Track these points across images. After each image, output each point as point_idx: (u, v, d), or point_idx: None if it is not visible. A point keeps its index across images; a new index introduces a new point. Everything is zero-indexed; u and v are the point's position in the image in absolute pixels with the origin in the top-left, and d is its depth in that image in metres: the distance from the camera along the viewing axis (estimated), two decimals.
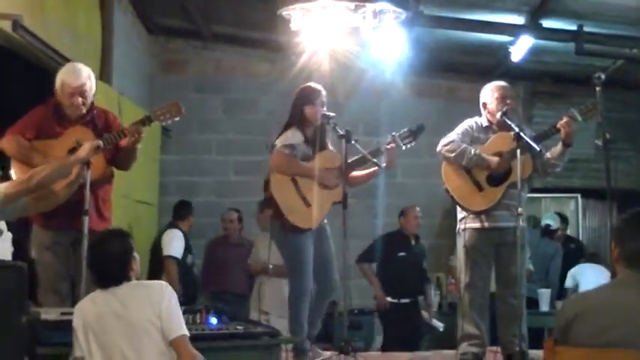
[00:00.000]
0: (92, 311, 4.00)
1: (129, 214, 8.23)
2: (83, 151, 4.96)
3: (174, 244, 8.29)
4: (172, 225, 8.66)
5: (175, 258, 8.21)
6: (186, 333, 4.00)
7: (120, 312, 3.95)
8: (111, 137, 5.27)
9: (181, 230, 8.53)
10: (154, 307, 3.95)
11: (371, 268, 8.74)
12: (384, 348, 8.53)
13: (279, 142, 5.74)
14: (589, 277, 8.82)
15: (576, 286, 8.99)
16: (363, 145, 5.73)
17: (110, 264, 4.06)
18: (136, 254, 4.23)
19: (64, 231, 5.35)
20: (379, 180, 9.57)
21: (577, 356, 3.12)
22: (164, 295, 4.02)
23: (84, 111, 5.44)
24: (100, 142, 5.04)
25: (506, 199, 5.67)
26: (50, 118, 5.46)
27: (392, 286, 8.55)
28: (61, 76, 5.45)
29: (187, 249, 8.47)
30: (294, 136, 5.75)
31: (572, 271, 9.28)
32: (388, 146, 5.76)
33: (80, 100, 5.39)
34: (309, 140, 5.79)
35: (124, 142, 5.38)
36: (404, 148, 5.82)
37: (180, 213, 8.79)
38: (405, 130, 5.83)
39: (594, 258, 9.51)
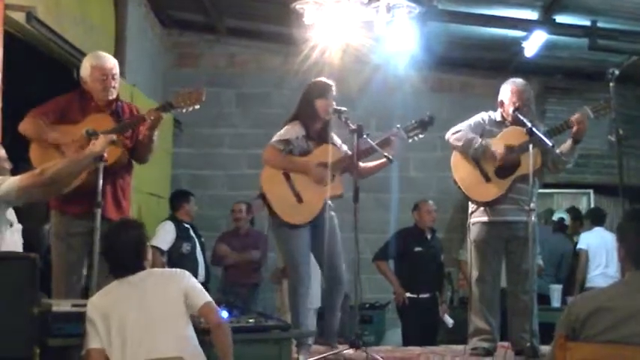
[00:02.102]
0: (109, 302, 4.04)
1: (139, 205, 8.26)
2: (97, 146, 4.94)
3: (160, 235, 8.33)
4: (169, 217, 8.73)
5: (159, 248, 8.22)
6: (211, 300, 4.15)
7: (136, 300, 4.00)
8: (130, 123, 5.32)
9: (178, 220, 8.56)
10: (174, 290, 4.05)
11: (388, 265, 8.71)
12: (405, 344, 8.46)
13: (275, 137, 5.72)
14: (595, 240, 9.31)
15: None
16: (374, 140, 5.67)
17: (125, 253, 4.12)
18: (149, 244, 4.30)
19: (83, 218, 5.21)
20: (391, 174, 9.58)
21: (588, 352, 3.14)
22: (182, 277, 4.17)
23: (115, 95, 5.46)
24: (114, 137, 5.04)
25: (515, 194, 5.64)
26: (74, 106, 5.45)
27: (410, 281, 8.50)
28: (90, 62, 5.45)
29: (184, 237, 8.48)
30: (290, 131, 5.70)
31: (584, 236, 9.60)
32: (392, 137, 5.67)
33: (112, 82, 5.41)
34: (312, 135, 5.74)
35: (142, 132, 5.40)
36: (410, 141, 5.73)
37: (173, 204, 8.84)
38: (414, 121, 5.72)
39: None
